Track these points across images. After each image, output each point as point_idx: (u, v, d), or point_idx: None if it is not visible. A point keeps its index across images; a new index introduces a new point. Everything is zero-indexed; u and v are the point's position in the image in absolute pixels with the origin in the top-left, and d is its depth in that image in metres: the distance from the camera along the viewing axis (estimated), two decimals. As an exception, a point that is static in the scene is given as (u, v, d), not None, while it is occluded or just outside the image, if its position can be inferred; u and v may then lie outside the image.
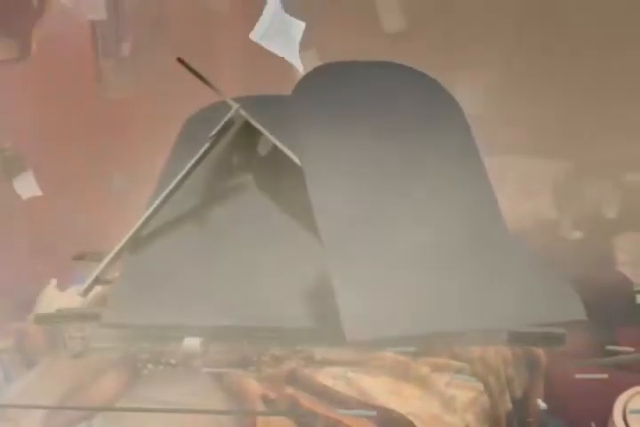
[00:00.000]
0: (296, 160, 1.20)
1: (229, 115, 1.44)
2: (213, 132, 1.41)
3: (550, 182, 2.50)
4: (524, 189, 2.51)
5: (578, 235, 2.22)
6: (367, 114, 1.16)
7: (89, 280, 1.07)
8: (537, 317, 0.87)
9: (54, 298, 2.10)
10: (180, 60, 1.51)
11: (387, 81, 1.21)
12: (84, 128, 2.42)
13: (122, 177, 1.86)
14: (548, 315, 0.87)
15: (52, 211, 1.59)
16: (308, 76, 1.21)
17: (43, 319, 1.35)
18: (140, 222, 1.20)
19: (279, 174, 1.30)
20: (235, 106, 1.40)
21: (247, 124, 1.43)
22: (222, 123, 1.43)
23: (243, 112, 1.39)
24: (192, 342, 0.90)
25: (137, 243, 1.19)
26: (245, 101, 1.45)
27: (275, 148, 1.35)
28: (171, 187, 1.25)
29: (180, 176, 1.27)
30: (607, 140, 2.45)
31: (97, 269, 1.10)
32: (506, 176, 2.58)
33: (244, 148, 1.42)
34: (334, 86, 1.20)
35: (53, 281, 2.17)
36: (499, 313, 0.89)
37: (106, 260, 1.11)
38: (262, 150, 1.41)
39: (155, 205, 1.22)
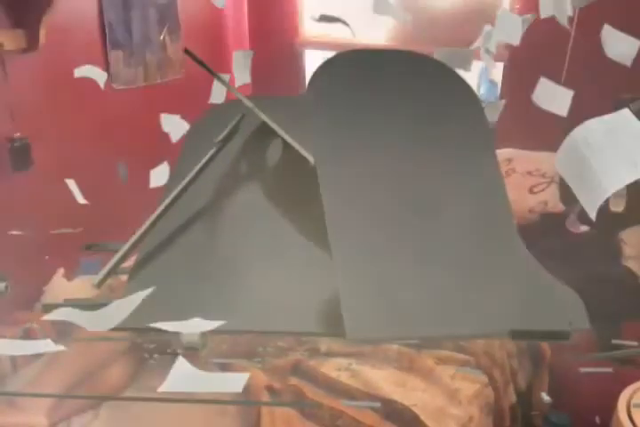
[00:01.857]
0: (310, 159, 1.19)
1: (237, 118, 1.42)
2: (220, 137, 1.38)
3: (557, 176, 2.50)
4: (530, 182, 2.51)
5: (584, 229, 2.22)
6: (384, 105, 1.15)
7: (103, 272, 1.07)
8: (538, 325, 0.87)
9: (61, 288, 2.11)
10: (188, 52, 1.49)
11: (402, 69, 1.19)
12: (91, 119, 2.43)
13: (131, 167, 1.86)
14: (550, 324, 0.87)
15: (58, 201, 1.60)
16: (321, 68, 1.19)
17: (51, 309, 1.35)
18: (150, 221, 1.19)
19: (290, 180, 1.29)
20: (248, 103, 1.37)
21: (257, 128, 1.41)
22: (230, 126, 1.41)
23: (252, 106, 1.36)
24: (192, 334, 0.90)
25: (145, 244, 1.18)
26: (255, 101, 1.42)
27: (285, 153, 1.33)
28: (177, 190, 1.24)
29: (185, 181, 1.26)
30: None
31: (111, 262, 1.09)
32: (513, 169, 2.57)
33: (253, 153, 1.40)
34: (350, 77, 1.19)
35: (61, 271, 2.18)
36: (499, 320, 0.88)
37: (119, 253, 1.10)
38: (272, 158, 1.38)
39: (163, 206, 1.21)
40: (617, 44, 1.21)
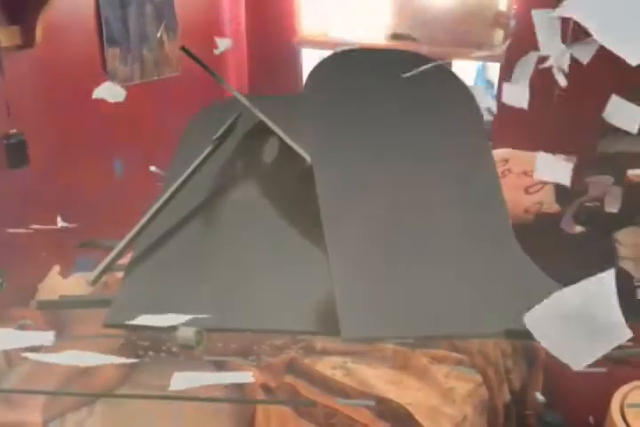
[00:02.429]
0: (307, 158, 1.19)
1: (234, 116, 1.42)
2: (217, 135, 1.38)
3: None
4: (526, 182, 2.51)
5: (579, 229, 2.22)
6: (381, 104, 1.15)
7: (98, 270, 1.06)
8: None
9: (57, 285, 2.10)
10: (185, 50, 1.49)
11: (398, 69, 1.19)
12: (88, 116, 2.43)
13: (127, 165, 1.86)
14: None
15: (55, 198, 1.60)
16: (319, 67, 1.19)
17: (45, 306, 1.35)
18: (145, 218, 1.19)
19: (286, 178, 1.29)
20: (245, 101, 1.37)
21: (254, 127, 1.41)
22: (227, 124, 1.41)
23: (249, 105, 1.36)
24: (186, 332, 0.90)
25: (140, 242, 1.18)
26: (252, 99, 1.42)
27: (281, 152, 1.33)
28: (174, 188, 1.24)
29: (182, 178, 1.26)
30: (610, 135, 2.45)
31: (106, 260, 1.09)
32: (509, 169, 2.58)
33: (250, 151, 1.40)
34: (346, 76, 1.19)
35: (56, 268, 2.18)
36: (494, 320, 0.89)
37: (114, 251, 1.10)
38: (268, 157, 1.38)
39: (159, 203, 1.21)
40: (621, 113, 1.21)
